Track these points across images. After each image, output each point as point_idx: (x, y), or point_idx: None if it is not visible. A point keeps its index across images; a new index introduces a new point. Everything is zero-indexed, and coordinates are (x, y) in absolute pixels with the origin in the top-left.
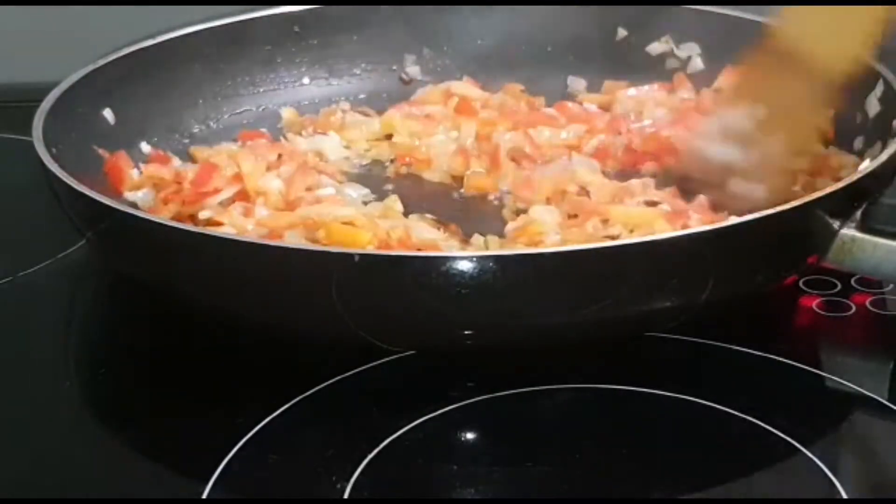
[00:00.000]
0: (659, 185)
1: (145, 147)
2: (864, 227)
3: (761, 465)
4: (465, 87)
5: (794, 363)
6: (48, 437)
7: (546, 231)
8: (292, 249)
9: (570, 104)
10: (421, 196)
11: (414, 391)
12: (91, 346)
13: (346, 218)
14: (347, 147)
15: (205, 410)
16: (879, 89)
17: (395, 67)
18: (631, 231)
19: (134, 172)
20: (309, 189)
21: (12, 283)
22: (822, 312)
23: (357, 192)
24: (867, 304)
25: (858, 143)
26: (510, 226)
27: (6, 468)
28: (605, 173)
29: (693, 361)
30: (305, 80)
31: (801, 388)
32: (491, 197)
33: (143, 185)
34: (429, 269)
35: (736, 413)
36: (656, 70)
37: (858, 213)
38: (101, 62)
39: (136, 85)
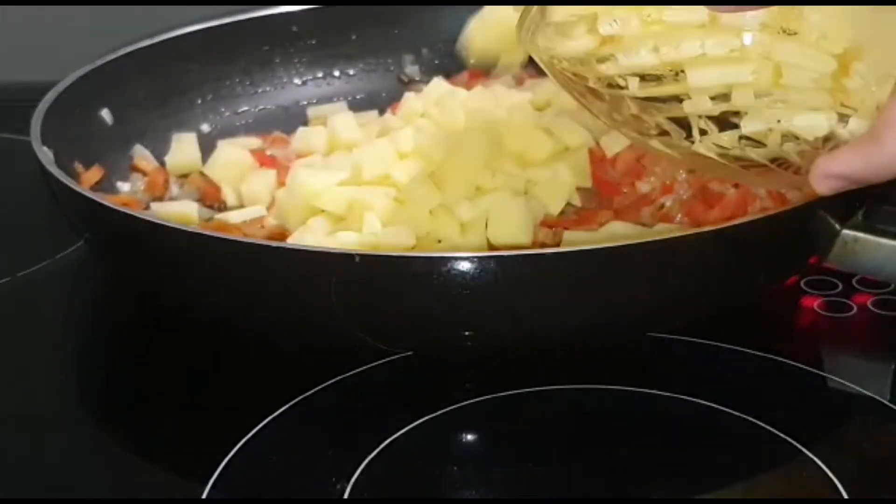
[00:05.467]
0: None
1: (141, 149)
2: (867, 226)
3: (762, 466)
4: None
5: (795, 363)
6: (48, 437)
7: None
8: (292, 250)
9: None
10: None
11: (414, 391)
12: (91, 346)
13: None
14: None
15: (205, 410)
16: None
17: (393, 68)
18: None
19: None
20: None
21: (12, 283)
22: (824, 313)
23: None
24: (868, 304)
25: None
26: None
27: (6, 468)
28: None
29: (693, 361)
30: (304, 80)
31: (802, 389)
32: None
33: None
34: (429, 270)
35: (736, 413)
36: None
37: (860, 213)
38: (100, 62)
39: (135, 85)
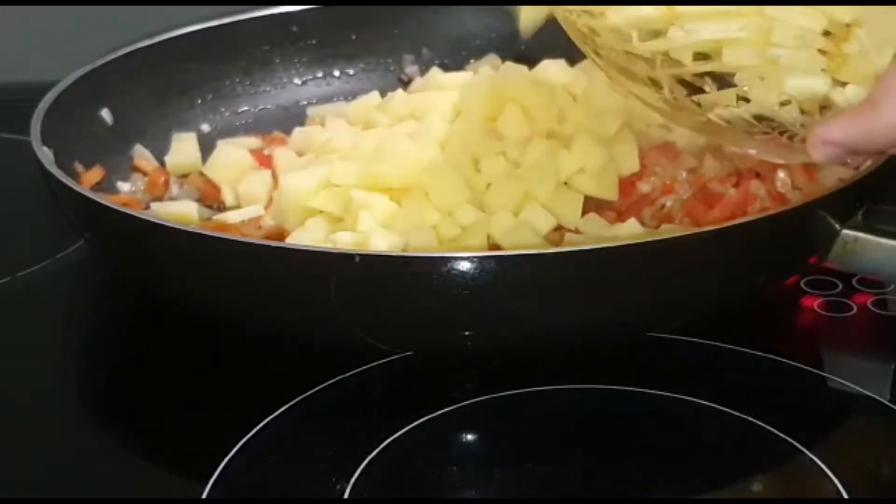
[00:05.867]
0: None
1: (141, 149)
2: (867, 226)
3: (762, 466)
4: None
5: (794, 363)
6: (48, 437)
7: None
8: (292, 250)
9: None
10: None
11: (414, 391)
12: (91, 346)
13: None
14: None
15: (205, 410)
16: None
17: (393, 67)
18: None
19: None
20: None
21: (12, 283)
22: (824, 313)
23: None
24: (868, 304)
25: None
26: None
27: (6, 468)
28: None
29: (694, 361)
30: (304, 80)
31: (802, 389)
32: None
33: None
34: (429, 270)
35: (736, 413)
36: None
37: (860, 214)
38: (100, 62)
39: (135, 85)
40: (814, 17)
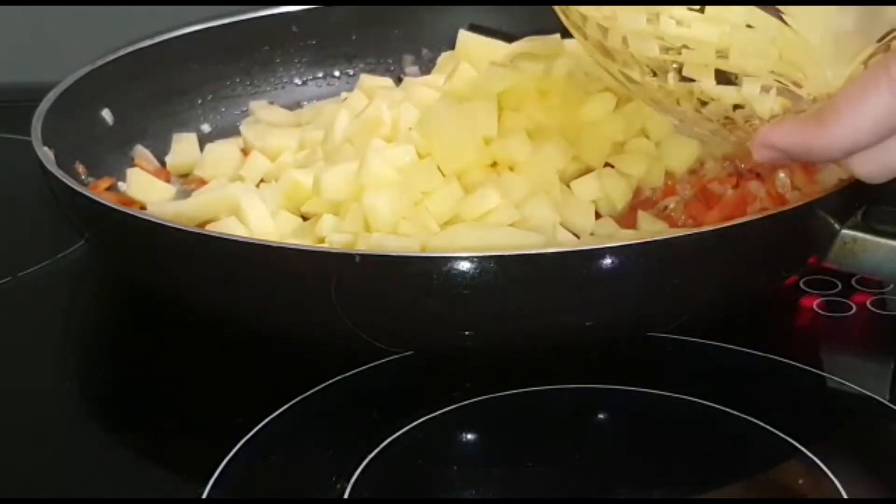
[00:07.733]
0: None
1: (141, 149)
2: (866, 226)
3: (761, 465)
4: None
5: (794, 363)
6: (48, 437)
7: None
8: (292, 250)
9: None
10: None
11: (414, 391)
12: (91, 346)
13: None
14: None
15: (205, 410)
16: None
17: (393, 68)
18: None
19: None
20: None
21: (12, 283)
22: (823, 312)
23: None
24: (868, 304)
25: None
26: None
27: (6, 468)
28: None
29: (693, 361)
30: (304, 80)
31: (801, 388)
32: None
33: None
34: (429, 270)
35: (736, 413)
36: None
37: (859, 214)
38: (100, 62)
39: (135, 85)
40: (767, 23)
